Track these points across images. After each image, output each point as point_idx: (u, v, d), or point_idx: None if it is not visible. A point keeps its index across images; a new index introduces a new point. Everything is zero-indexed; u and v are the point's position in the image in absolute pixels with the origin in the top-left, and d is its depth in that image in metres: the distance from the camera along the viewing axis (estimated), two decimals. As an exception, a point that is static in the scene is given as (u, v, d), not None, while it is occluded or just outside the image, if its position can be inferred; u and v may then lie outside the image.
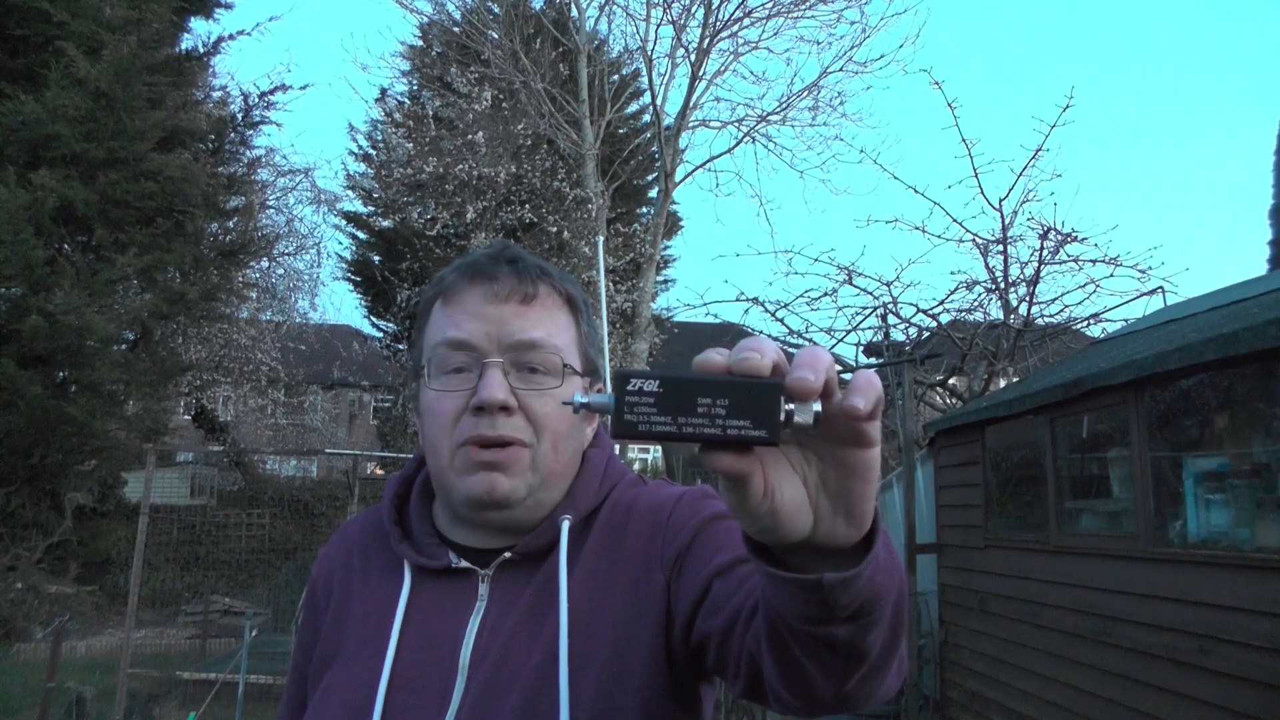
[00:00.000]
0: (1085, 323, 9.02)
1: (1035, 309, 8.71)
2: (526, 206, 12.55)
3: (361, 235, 16.12)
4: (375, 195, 14.50)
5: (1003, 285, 8.81)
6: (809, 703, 0.67)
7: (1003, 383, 8.38)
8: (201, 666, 7.49)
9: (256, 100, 11.69)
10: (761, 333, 10.25)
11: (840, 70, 13.21)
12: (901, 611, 0.64)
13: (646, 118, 15.76)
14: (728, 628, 0.77)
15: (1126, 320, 8.09)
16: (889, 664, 0.66)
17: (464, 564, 0.92)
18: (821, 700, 0.66)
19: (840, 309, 13.11)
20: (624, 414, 0.51)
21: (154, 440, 9.72)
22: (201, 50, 11.14)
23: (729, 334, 10.03)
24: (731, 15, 12.59)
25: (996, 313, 8.89)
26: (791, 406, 0.51)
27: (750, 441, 0.51)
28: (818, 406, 0.51)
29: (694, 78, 12.67)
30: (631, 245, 13.11)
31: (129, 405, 10.20)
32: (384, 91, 15.50)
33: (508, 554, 0.91)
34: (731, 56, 13.08)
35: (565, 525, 0.91)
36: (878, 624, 0.61)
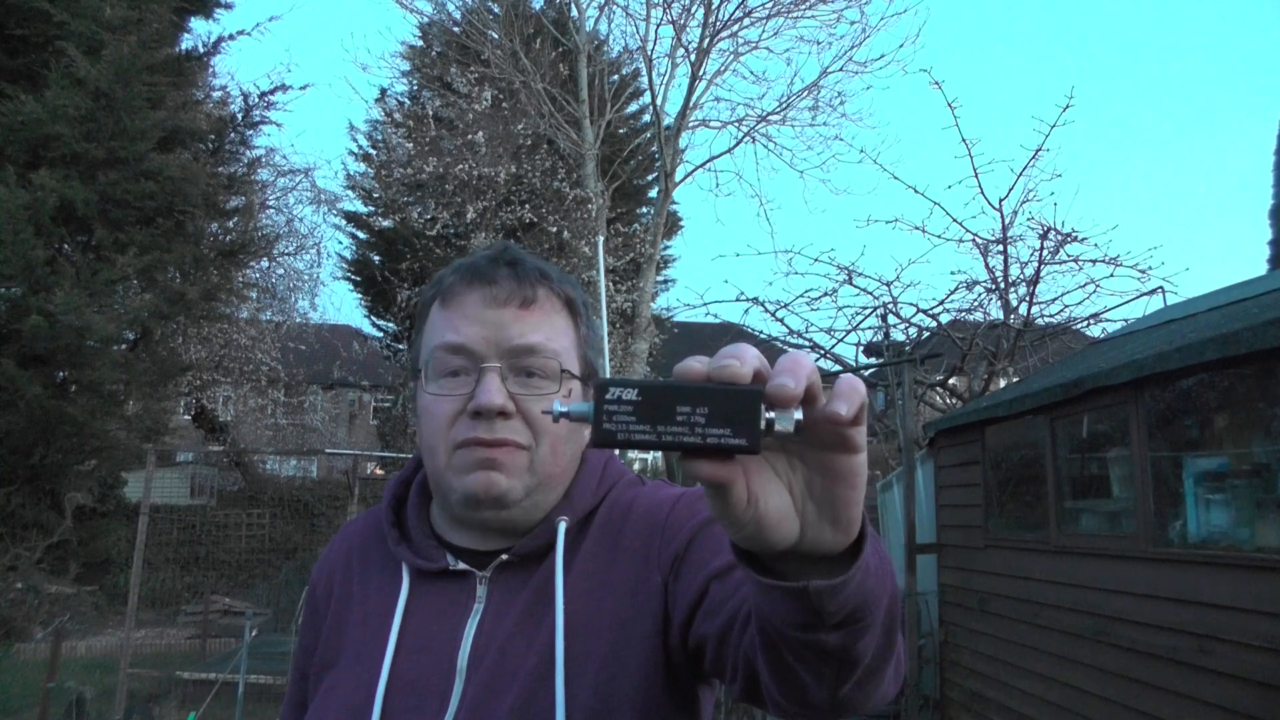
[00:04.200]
0: (1085, 323, 9.02)
1: (1035, 309, 8.71)
2: (526, 206, 12.54)
3: (361, 235, 16.12)
4: (375, 195, 14.50)
5: (1003, 285, 8.80)
6: (804, 708, 0.67)
7: (1003, 383, 8.38)
8: (201, 666, 7.50)
9: (256, 100, 11.68)
10: (762, 333, 10.29)
11: (840, 70, 13.20)
12: (894, 617, 0.64)
13: (646, 118, 15.77)
14: (724, 631, 0.77)
15: (1126, 320, 8.09)
16: (884, 669, 0.66)
17: (462, 566, 0.92)
18: (817, 705, 0.66)
19: (840, 309, 13.06)
20: (603, 422, 0.51)
21: (154, 440, 9.72)
22: (201, 50, 11.13)
23: (729, 334, 10.02)
24: (731, 15, 12.59)
25: (996, 313, 8.89)
26: (772, 414, 0.51)
27: (730, 450, 0.51)
28: (799, 414, 0.51)
29: (694, 78, 12.67)
30: (631, 245, 13.10)
31: (129, 405, 10.19)
32: (384, 91, 15.52)
33: (505, 555, 0.91)
34: (731, 56, 13.08)
35: (562, 527, 0.91)
36: (869, 630, 0.61)
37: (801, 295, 9.77)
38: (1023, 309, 8.63)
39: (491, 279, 0.91)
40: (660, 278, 17.03)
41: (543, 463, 0.90)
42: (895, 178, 24.14)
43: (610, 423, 0.51)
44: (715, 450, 0.51)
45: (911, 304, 9.35)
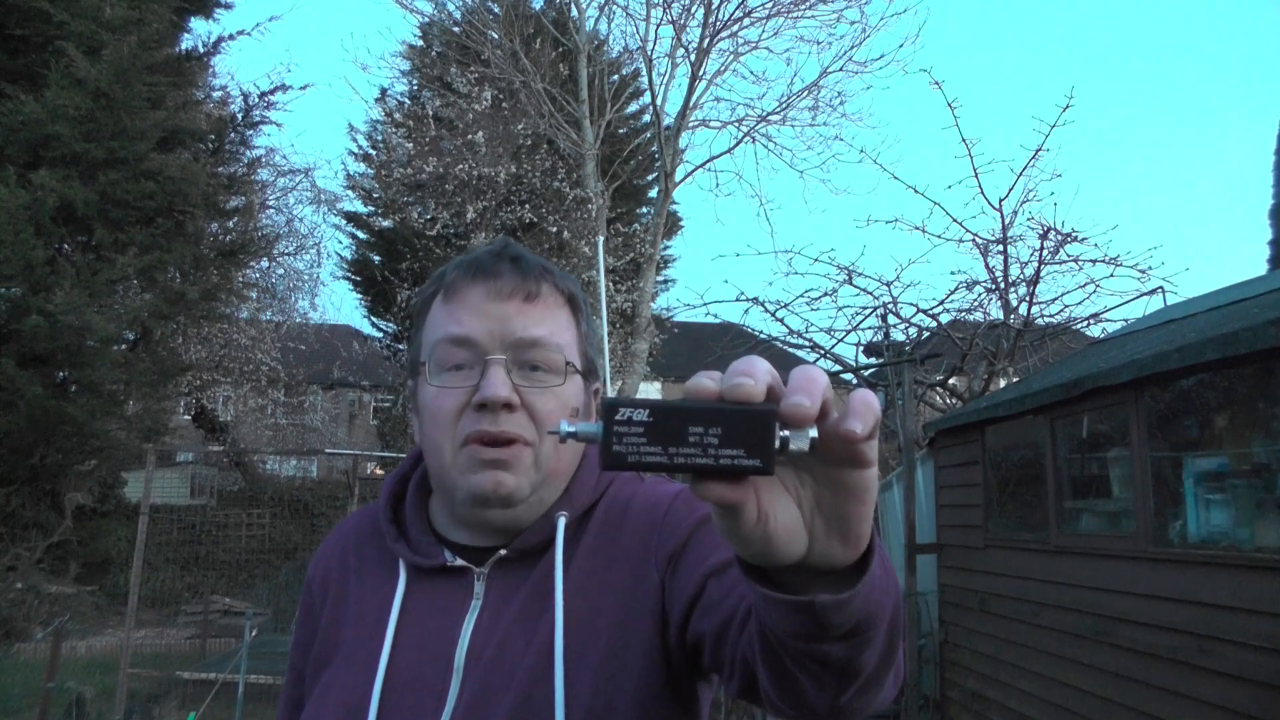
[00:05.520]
0: (1085, 323, 9.02)
1: (1035, 309, 8.71)
2: (526, 206, 12.54)
3: (361, 235, 16.12)
4: (375, 195, 14.49)
5: (1003, 285, 8.80)
6: (803, 712, 0.67)
7: (1003, 383, 8.37)
8: (201, 666, 7.49)
9: (256, 100, 11.69)
10: (761, 332, 10.28)
11: (840, 70, 13.12)
12: (897, 628, 0.63)
13: (646, 118, 15.76)
14: (722, 629, 0.76)
15: (1126, 320, 8.09)
16: (884, 678, 0.66)
17: (459, 562, 0.91)
18: (816, 711, 0.66)
19: (840, 309, 12.94)
20: (613, 444, 0.50)
21: (154, 440, 9.71)
22: (201, 50, 11.14)
23: (729, 334, 10.02)
24: (731, 15, 12.56)
25: (996, 313, 8.88)
26: (786, 433, 0.50)
27: (744, 471, 0.50)
28: (814, 432, 0.50)
29: (694, 78, 12.65)
30: (631, 245, 13.09)
31: (129, 405, 10.19)
32: (384, 91, 15.50)
33: (503, 551, 0.91)
34: (731, 56, 13.05)
35: (561, 523, 0.91)
36: (872, 642, 0.60)
37: (801, 295, 9.76)
38: (1023, 309, 8.63)
39: (495, 273, 0.91)
40: (660, 278, 17.02)
41: (547, 457, 0.90)
42: (895, 178, 24.09)
43: (620, 444, 0.50)
44: (728, 472, 0.50)
45: (911, 304, 9.35)
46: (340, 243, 17.99)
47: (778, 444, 0.50)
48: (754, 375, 0.50)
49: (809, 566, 0.55)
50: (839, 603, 0.55)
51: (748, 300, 9.60)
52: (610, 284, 12.26)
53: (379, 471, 13.75)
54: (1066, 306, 8.96)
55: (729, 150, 19.98)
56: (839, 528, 0.54)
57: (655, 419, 0.50)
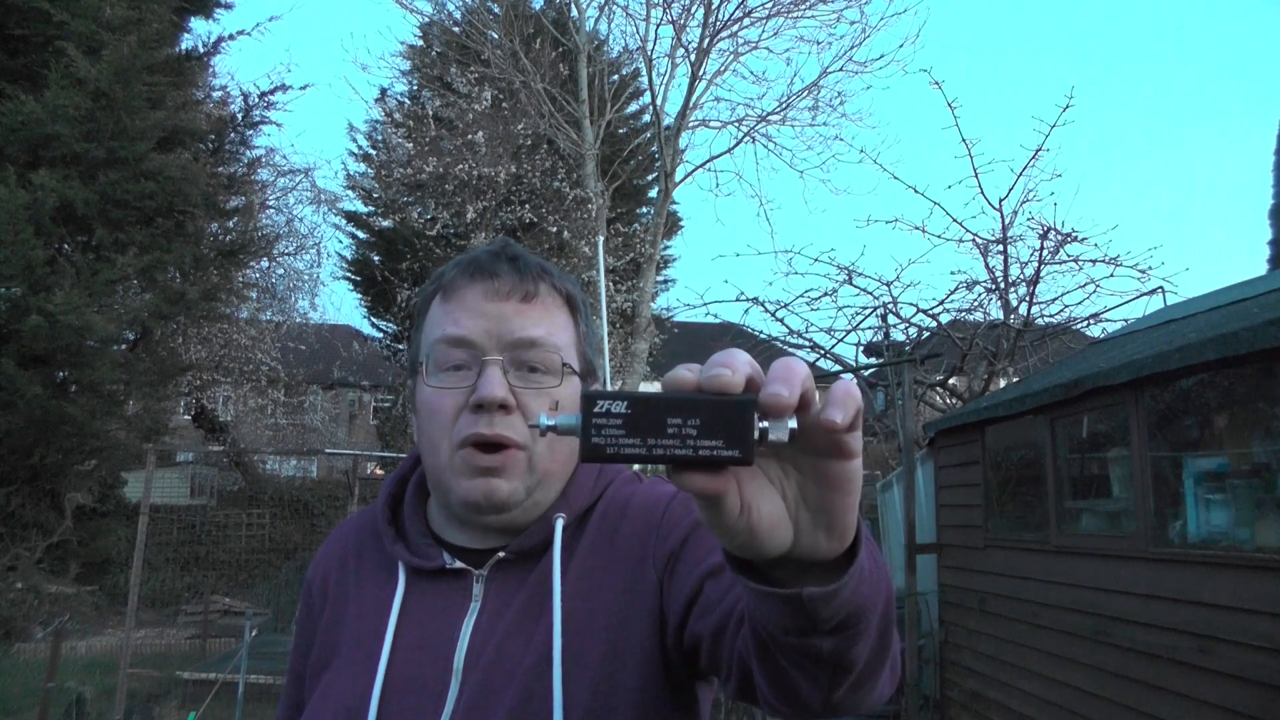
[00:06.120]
0: (1085, 323, 9.02)
1: (1035, 309, 8.70)
2: (526, 206, 12.54)
3: (361, 235, 16.13)
4: (375, 195, 14.50)
5: (1003, 285, 8.80)
6: (798, 709, 0.66)
7: (1003, 383, 8.37)
8: (201, 666, 7.49)
9: (256, 100, 11.70)
10: (761, 332, 10.28)
11: (840, 70, 13.13)
12: (889, 621, 0.63)
13: (646, 118, 15.76)
14: (718, 630, 0.76)
15: (1126, 320, 8.09)
16: (878, 673, 0.65)
17: (458, 564, 0.91)
18: (810, 707, 0.65)
19: (840, 309, 12.93)
20: (591, 436, 0.50)
21: (154, 440, 9.71)
22: (201, 50, 11.15)
23: (729, 334, 10.01)
24: (731, 15, 12.57)
25: (996, 313, 8.88)
26: (766, 424, 0.49)
27: (723, 462, 0.49)
28: (793, 423, 0.50)
29: (694, 78, 12.65)
30: (631, 245, 13.09)
31: (129, 405, 10.19)
32: (384, 91, 15.51)
33: (501, 554, 0.91)
34: (731, 56, 13.05)
35: (559, 524, 0.91)
36: (863, 635, 0.60)
37: (801, 295, 9.76)
38: (1023, 309, 8.63)
39: (493, 273, 0.91)
40: (660, 278, 17.03)
41: (541, 459, 0.90)
42: (895, 178, 24.04)
43: (599, 436, 0.50)
44: (707, 463, 0.50)
45: (911, 304, 9.35)
46: (340, 243, 17.99)
47: (757, 434, 0.49)
48: (732, 366, 0.50)
49: (796, 559, 0.55)
50: (827, 595, 0.55)
51: (748, 300, 9.62)
52: (610, 284, 12.27)
53: (379, 472, 13.75)
54: (1066, 306, 8.97)
55: (729, 150, 19.98)
56: (824, 519, 0.54)
57: (633, 411, 0.50)
